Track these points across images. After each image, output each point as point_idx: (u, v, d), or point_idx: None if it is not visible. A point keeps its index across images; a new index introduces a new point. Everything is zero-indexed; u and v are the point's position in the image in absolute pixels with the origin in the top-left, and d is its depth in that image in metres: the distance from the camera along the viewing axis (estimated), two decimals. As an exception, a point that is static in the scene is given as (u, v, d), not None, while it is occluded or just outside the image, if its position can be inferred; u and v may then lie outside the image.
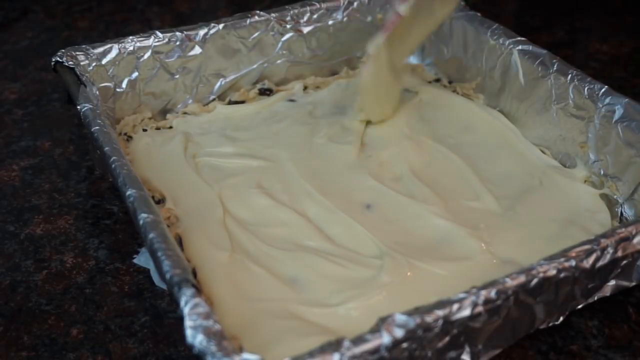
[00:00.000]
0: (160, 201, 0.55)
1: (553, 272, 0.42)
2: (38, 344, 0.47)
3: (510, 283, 0.40)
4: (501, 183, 0.59)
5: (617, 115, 0.57)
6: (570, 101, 0.60)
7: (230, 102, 0.70)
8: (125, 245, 0.55)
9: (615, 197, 0.57)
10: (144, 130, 0.65)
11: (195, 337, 0.35)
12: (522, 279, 0.41)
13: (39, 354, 0.46)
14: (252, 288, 0.48)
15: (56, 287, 0.51)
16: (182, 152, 0.61)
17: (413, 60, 0.78)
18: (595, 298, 0.47)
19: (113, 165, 0.48)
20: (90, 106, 0.55)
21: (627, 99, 0.57)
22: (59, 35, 0.64)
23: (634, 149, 0.55)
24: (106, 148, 0.50)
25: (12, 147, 0.67)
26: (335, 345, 0.36)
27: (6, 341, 0.47)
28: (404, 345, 0.37)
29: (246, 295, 0.48)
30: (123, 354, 0.46)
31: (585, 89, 0.59)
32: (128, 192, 0.46)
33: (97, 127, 0.53)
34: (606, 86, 0.58)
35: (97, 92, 0.60)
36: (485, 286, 0.40)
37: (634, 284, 0.48)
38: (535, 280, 0.41)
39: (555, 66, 0.62)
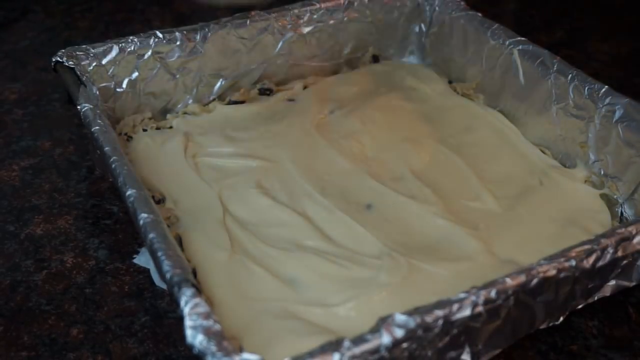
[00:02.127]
0: (160, 201, 0.55)
1: (553, 272, 0.42)
2: (38, 344, 0.47)
3: (510, 283, 0.40)
4: (501, 183, 0.59)
5: (617, 115, 0.57)
6: (571, 101, 0.60)
7: (230, 102, 0.70)
8: (125, 245, 0.55)
9: (615, 197, 0.57)
10: (144, 130, 0.65)
11: (195, 337, 0.35)
12: (522, 279, 0.41)
13: (39, 354, 0.46)
14: (252, 288, 0.48)
15: (56, 287, 0.51)
16: (182, 152, 0.61)
17: (413, 60, 0.78)
18: (596, 298, 0.47)
19: (113, 165, 0.48)
20: (91, 106, 0.55)
21: (627, 99, 0.57)
22: (59, 35, 0.64)
23: (634, 148, 0.55)
24: (106, 148, 0.50)
25: (12, 147, 0.66)
26: (335, 345, 0.36)
27: (6, 341, 0.47)
28: (404, 345, 0.37)
29: (246, 295, 0.48)
30: (123, 354, 0.46)
31: (586, 89, 0.59)
32: (128, 192, 0.46)
33: (97, 127, 0.53)
34: (606, 86, 0.58)
35: (97, 92, 0.60)
36: (485, 286, 0.40)
37: (634, 284, 0.48)
38: (535, 280, 0.41)
39: (555, 66, 0.62)
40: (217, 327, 0.36)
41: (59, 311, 0.49)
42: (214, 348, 0.35)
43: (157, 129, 0.65)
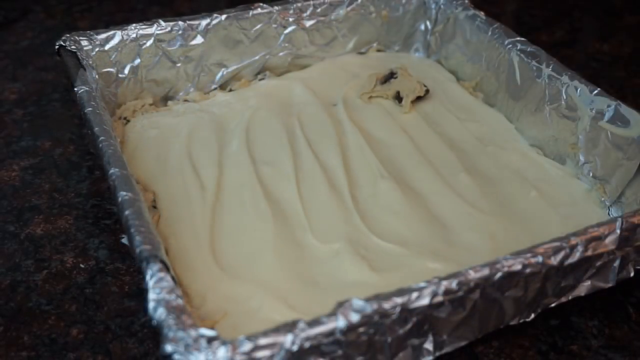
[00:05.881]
0: (155, 207, 0.55)
1: (518, 267, 0.42)
2: (38, 344, 0.47)
3: (473, 275, 0.41)
4: (500, 182, 0.59)
5: (606, 117, 0.56)
6: (563, 102, 0.60)
7: (231, 92, 0.71)
8: (125, 245, 0.53)
9: (602, 199, 0.57)
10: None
11: (156, 310, 0.36)
12: (485, 272, 0.41)
13: (39, 354, 0.46)
14: (234, 275, 0.49)
15: (56, 287, 0.51)
16: (176, 135, 0.62)
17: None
18: (570, 297, 0.47)
19: (100, 145, 0.50)
20: (87, 89, 0.56)
21: (617, 101, 0.56)
22: (59, 35, 0.63)
23: (621, 151, 0.55)
24: (96, 129, 0.51)
25: (12, 147, 0.66)
26: (290, 326, 0.36)
27: (6, 341, 0.47)
28: (361, 329, 0.38)
29: (229, 282, 0.48)
30: (123, 354, 0.46)
31: (578, 90, 0.59)
32: (111, 171, 0.47)
33: (90, 109, 0.54)
34: (598, 88, 0.58)
35: (97, 76, 0.62)
36: (447, 277, 0.40)
37: (610, 285, 0.47)
38: (499, 274, 0.41)
39: (550, 67, 0.61)
40: (179, 301, 0.37)
41: (59, 311, 0.49)
42: (171, 321, 0.36)
43: (158, 114, 0.67)
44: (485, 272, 0.41)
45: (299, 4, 0.72)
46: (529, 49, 0.64)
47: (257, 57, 0.72)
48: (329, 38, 0.74)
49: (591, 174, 0.58)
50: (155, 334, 0.47)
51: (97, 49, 0.64)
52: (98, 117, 0.53)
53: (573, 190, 0.58)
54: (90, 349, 0.46)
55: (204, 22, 0.68)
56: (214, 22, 0.69)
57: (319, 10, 0.73)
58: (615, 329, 0.48)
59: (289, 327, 0.36)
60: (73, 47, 0.62)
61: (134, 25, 0.66)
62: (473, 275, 0.41)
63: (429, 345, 0.42)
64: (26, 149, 0.66)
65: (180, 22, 0.67)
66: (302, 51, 0.74)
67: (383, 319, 0.38)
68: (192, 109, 0.67)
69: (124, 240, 0.54)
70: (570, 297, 0.47)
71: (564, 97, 0.60)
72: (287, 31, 0.72)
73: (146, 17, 0.73)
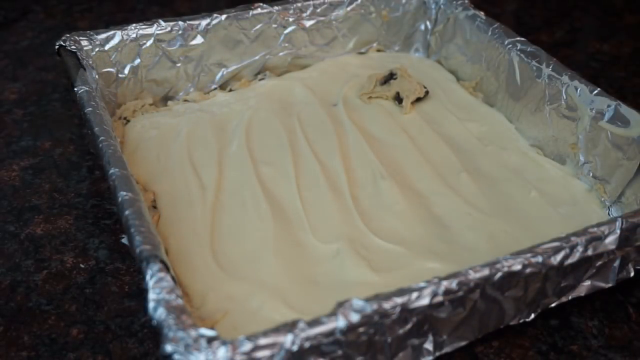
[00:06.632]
0: (155, 207, 0.55)
1: (518, 267, 0.42)
2: (38, 344, 0.47)
3: (473, 275, 0.41)
4: (500, 182, 0.59)
5: (606, 117, 0.57)
6: (563, 102, 0.60)
7: (231, 92, 0.71)
8: (125, 245, 0.53)
9: (603, 199, 0.57)
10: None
11: (156, 310, 0.37)
12: (485, 272, 0.41)
13: (39, 354, 0.46)
14: (233, 277, 0.49)
15: (56, 287, 0.51)
16: (176, 136, 0.62)
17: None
18: (570, 297, 0.47)
19: (100, 145, 0.50)
20: (87, 89, 0.57)
21: (617, 101, 0.56)
22: (59, 35, 0.62)
23: (621, 151, 0.55)
24: (96, 129, 0.51)
25: (12, 147, 0.66)
26: (290, 326, 0.36)
27: (6, 341, 0.47)
28: (361, 329, 0.38)
29: (228, 283, 0.48)
30: (123, 354, 0.46)
31: (578, 90, 0.59)
32: (111, 171, 0.47)
33: (90, 109, 0.54)
34: (598, 88, 0.58)
35: (97, 76, 0.62)
36: (447, 277, 0.40)
37: (610, 285, 0.47)
38: (499, 274, 0.41)
39: (550, 67, 0.62)
40: (179, 301, 0.37)
41: (59, 311, 0.49)
42: (171, 321, 0.36)
43: (158, 115, 0.67)
44: (485, 272, 0.41)
45: (299, 4, 0.72)
46: (529, 49, 0.64)
47: (257, 57, 0.72)
48: (329, 38, 0.75)
49: (591, 174, 0.58)
50: (155, 334, 0.47)
51: (97, 49, 0.64)
52: (98, 117, 0.53)
53: (573, 190, 0.58)
54: (90, 349, 0.46)
55: (204, 22, 0.68)
56: (214, 22, 0.69)
57: (319, 10, 0.73)
58: (615, 329, 0.48)
59: (289, 327, 0.36)
60: (73, 47, 0.62)
61: (134, 25, 0.66)
62: (473, 275, 0.41)
63: (429, 345, 0.42)
64: (26, 149, 0.66)
65: (180, 22, 0.68)
66: (302, 51, 0.74)
67: (383, 319, 0.38)
68: (192, 109, 0.67)
69: (124, 240, 0.54)
70: (570, 297, 0.47)
71: (564, 97, 0.60)
72: (287, 31, 0.72)
73: (146, 17, 0.74)
